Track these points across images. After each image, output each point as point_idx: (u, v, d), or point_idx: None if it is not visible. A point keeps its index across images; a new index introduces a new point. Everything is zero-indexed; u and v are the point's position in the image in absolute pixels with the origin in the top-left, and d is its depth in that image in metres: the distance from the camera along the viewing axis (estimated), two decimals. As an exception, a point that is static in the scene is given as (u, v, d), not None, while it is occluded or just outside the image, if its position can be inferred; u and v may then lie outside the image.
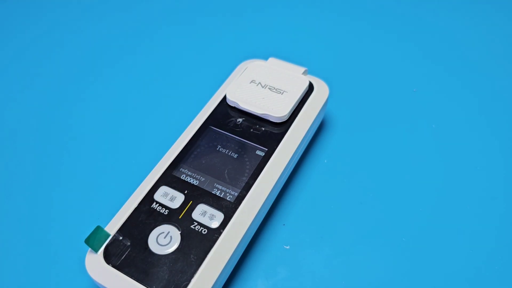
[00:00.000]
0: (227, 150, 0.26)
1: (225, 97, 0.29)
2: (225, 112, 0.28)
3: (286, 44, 0.39)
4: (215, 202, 0.24)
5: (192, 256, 0.22)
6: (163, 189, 0.25)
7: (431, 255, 0.26)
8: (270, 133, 0.27)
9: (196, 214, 0.23)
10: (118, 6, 0.43)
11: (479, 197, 0.28)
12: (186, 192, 0.24)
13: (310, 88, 0.29)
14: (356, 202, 0.28)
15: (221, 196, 0.24)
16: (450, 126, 0.32)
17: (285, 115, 0.27)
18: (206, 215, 0.23)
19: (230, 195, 0.24)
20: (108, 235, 0.23)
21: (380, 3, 0.42)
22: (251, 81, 0.29)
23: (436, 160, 0.30)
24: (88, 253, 0.22)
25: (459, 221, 0.27)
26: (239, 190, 0.24)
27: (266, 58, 0.32)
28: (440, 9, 0.41)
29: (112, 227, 0.23)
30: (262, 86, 0.29)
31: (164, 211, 0.24)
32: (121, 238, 0.23)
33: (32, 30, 0.41)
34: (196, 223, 0.23)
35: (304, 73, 0.30)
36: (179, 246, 0.22)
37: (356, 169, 0.30)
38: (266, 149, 0.26)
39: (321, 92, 0.29)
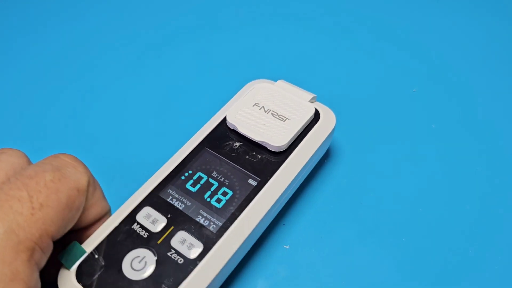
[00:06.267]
0: (219, 175, 0.25)
1: (225, 118, 0.28)
2: (224, 134, 0.27)
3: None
4: (197, 230, 0.23)
5: (163, 286, 0.21)
6: (147, 210, 0.24)
7: (431, 255, 0.26)
8: (266, 161, 0.26)
9: (175, 241, 0.23)
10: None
11: (479, 197, 0.29)
12: (169, 216, 0.24)
13: (316, 116, 0.28)
14: (356, 202, 0.28)
15: (204, 224, 0.23)
16: (450, 127, 0.32)
17: (283, 145, 0.26)
18: (185, 244, 0.22)
19: (214, 224, 0.23)
20: (84, 252, 0.22)
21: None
22: (255, 104, 0.28)
23: (437, 160, 0.30)
24: (61, 269, 0.22)
25: (459, 221, 0.28)
26: (224, 221, 0.23)
27: (277, 79, 0.30)
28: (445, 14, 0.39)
29: (90, 244, 0.23)
30: (265, 110, 0.28)
31: (144, 234, 0.23)
32: (96, 256, 0.22)
33: (36, 25, 0.42)
34: (173, 251, 0.22)
35: (312, 99, 0.29)
36: (152, 273, 0.22)
37: (356, 169, 0.30)
38: (259, 179, 0.25)
39: (328, 121, 0.28)
